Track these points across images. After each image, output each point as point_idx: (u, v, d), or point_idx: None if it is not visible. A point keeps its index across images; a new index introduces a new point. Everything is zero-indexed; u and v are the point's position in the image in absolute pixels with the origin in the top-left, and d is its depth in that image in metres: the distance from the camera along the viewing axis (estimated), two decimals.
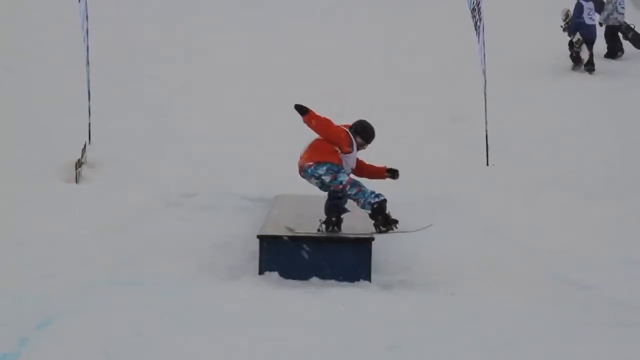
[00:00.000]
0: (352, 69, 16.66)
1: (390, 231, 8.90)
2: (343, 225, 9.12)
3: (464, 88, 14.70)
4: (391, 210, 9.50)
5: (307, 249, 8.65)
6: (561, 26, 17.46)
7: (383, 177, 9.53)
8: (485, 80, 13.00)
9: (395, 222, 8.93)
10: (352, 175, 9.15)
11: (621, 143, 13.72)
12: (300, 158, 9.00)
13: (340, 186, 8.82)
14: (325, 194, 9.06)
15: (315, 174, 8.83)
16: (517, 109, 15.00)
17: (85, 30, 12.97)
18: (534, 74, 16.90)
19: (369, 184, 9.19)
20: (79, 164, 12.02)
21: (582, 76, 17.02)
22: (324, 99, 14.10)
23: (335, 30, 18.77)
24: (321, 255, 8.64)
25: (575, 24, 17.11)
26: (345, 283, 8.48)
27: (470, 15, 13.01)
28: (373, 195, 8.88)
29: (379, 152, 13.02)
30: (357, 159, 9.25)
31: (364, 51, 17.59)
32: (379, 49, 17.81)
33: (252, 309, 7.52)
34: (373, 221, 8.88)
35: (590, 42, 17.12)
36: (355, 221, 9.48)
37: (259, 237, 8.76)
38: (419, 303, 7.89)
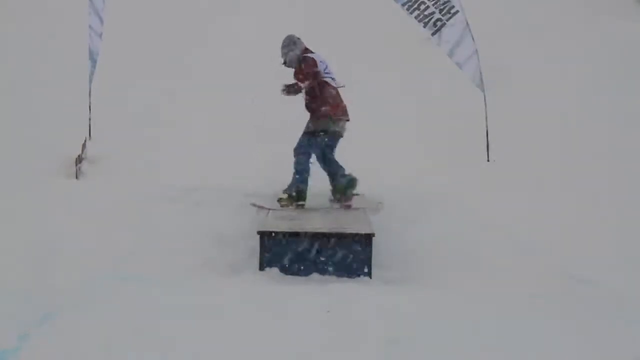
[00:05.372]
0: (348, 63, 16.67)
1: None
2: (343, 222, 9.14)
3: (465, 81, 14.71)
4: (391, 206, 9.52)
5: (308, 244, 8.65)
6: None
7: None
8: (481, 73, 12.99)
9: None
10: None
11: (628, 137, 13.70)
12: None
13: None
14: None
15: None
16: (519, 103, 15.00)
17: (99, 23, 12.90)
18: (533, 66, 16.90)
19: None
20: (79, 159, 12.01)
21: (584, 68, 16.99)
22: None
23: (336, 24, 18.77)
24: (322, 251, 8.64)
25: None
26: (345, 279, 8.48)
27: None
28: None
29: (377, 148, 13.09)
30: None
31: (364, 44, 17.59)
32: (379, 39, 17.84)
33: (253, 305, 7.52)
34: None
35: None
36: (354, 217, 9.50)
37: (259, 233, 8.77)
38: (420, 299, 7.89)
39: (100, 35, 12.91)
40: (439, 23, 12.54)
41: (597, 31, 18.79)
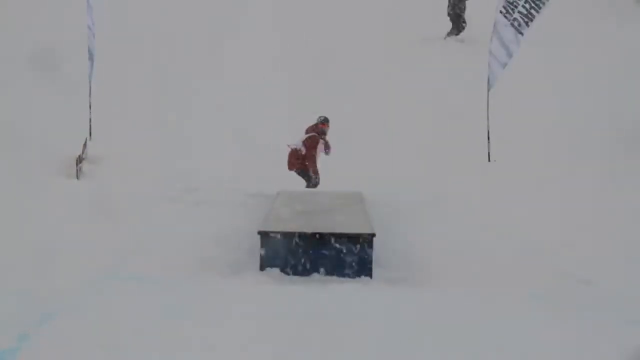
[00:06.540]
0: (349, 63, 16.69)
1: None
2: (343, 222, 9.14)
3: (465, 81, 14.75)
4: (392, 206, 9.51)
5: (308, 245, 8.64)
6: None
7: None
8: (489, 77, 13.01)
9: None
10: None
11: (628, 137, 13.69)
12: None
13: None
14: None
15: None
16: (519, 103, 15.02)
17: (92, 23, 12.93)
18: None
19: None
20: (79, 159, 12.01)
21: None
22: (323, 96, 14.14)
23: (335, 24, 18.78)
24: (322, 251, 8.63)
25: None
26: (346, 279, 8.48)
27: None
28: None
29: (380, 149, 13.10)
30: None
31: (363, 45, 17.61)
32: (379, 39, 17.86)
33: (254, 305, 7.52)
34: None
35: None
36: (355, 217, 9.48)
37: (259, 232, 8.76)
38: (420, 299, 7.89)
39: (94, 35, 12.94)
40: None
41: (597, 32, 18.80)
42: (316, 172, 11.89)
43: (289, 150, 11.99)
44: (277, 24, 18.86)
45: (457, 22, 19.04)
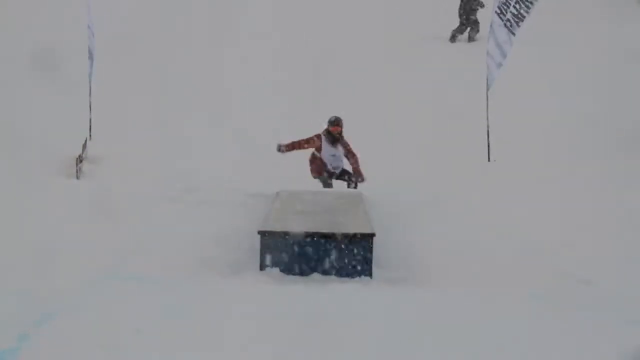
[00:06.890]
0: (349, 63, 16.71)
1: None
2: (343, 222, 9.15)
3: (465, 81, 14.74)
4: (393, 207, 9.50)
5: (308, 244, 8.65)
6: None
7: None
8: (487, 77, 13.02)
9: None
10: None
11: (628, 136, 13.70)
12: None
13: None
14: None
15: None
16: (519, 103, 15.02)
17: (91, 23, 12.95)
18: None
19: None
20: (79, 159, 12.02)
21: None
22: (323, 96, 14.12)
23: (335, 24, 18.79)
24: (322, 251, 8.64)
25: None
26: (346, 279, 8.48)
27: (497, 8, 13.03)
28: None
29: (380, 149, 13.11)
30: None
31: (363, 45, 17.62)
32: (379, 39, 17.87)
33: (254, 305, 7.52)
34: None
35: None
36: (355, 217, 9.49)
37: (259, 232, 8.76)
38: (420, 299, 7.89)
39: (94, 35, 12.97)
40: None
41: (597, 31, 18.79)
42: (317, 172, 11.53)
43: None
44: (277, 24, 18.85)
45: (471, 21, 18.94)
